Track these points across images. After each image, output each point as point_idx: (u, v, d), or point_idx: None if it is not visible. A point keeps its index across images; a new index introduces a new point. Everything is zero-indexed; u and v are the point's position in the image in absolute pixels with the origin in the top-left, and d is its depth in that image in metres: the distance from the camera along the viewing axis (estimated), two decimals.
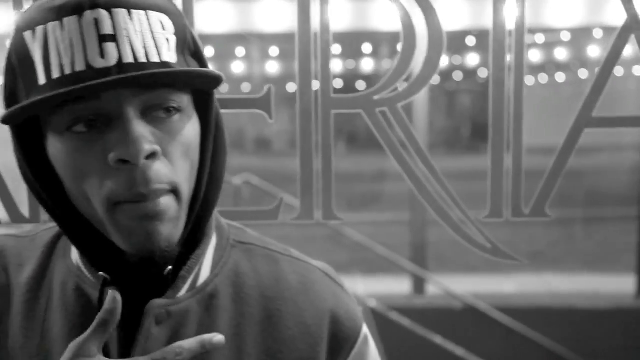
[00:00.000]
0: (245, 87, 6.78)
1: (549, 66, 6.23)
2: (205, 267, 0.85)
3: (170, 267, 0.79)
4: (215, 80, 0.75)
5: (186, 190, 0.76)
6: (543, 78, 6.49)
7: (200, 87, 0.78)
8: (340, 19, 1.35)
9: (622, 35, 1.34)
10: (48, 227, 0.91)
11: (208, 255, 0.86)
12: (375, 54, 6.15)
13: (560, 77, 6.53)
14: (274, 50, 5.72)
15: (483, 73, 7.35)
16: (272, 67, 5.83)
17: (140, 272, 0.79)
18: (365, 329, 0.91)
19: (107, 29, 0.70)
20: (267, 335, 0.84)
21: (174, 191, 0.74)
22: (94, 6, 0.70)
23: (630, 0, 1.31)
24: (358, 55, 5.97)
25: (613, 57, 1.33)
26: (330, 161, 1.35)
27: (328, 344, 0.87)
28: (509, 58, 1.34)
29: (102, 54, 0.69)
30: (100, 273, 0.79)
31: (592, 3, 4.82)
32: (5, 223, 1.34)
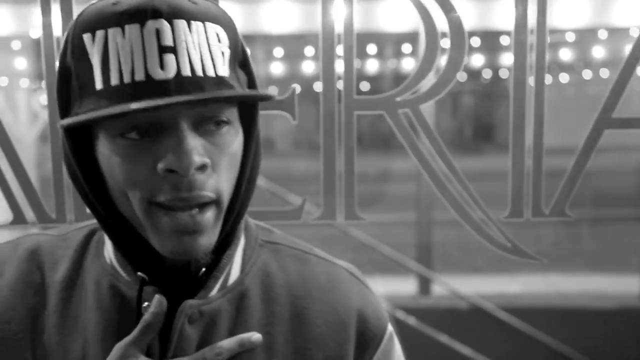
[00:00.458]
0: None
1: (553, 67, 6.23)
2: (235, 267, 0.86)
3: (204, 269, 0.81)
4: (266, 99, 0.77)
5: (227, 199, 0.78)
6: (547, 79, 6.47)
7: (249, 102, 0.80)
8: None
9: None
10: (79, 226, 0.92)
11: (237, 255, 0.87)
12: (379, 55, 6.16)
13: (564, 77, 6.53)
14: (278, 51, 5.73)
15: (487, 74, 7.36)
16: (277, 68, 5.85)
17: (175, 273, 0.80)
18: (390, 328, 0.92)
19: (168, 41, 0.71)
20: (296, 333, 0.86)
21: (216, 201, 0.76)
22: (156, 16, 0.71)
23: None
24: (363, 56, 5.98)
25: (634, 57, 1.33)
26: (352, 162, 1.36)
27: (355, 341, 0.88)
28: (530, 58, 1.35)
29: (162, 65, 0.70)
30: (139, 273, 0.80)
31: (597, 4, 4.83)
32: (31, 223, 1.35)
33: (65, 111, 0.77)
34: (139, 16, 0.71)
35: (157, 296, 0.78)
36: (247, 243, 0.89)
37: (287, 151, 13.57)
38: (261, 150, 0.86)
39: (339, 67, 1.33)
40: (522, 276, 5.43)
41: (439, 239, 5.23)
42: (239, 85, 0.77)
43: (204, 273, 0.82)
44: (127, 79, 0.70)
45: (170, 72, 0.70)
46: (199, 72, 0.72)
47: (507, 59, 5.91)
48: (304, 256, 0.92)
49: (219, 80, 0.73)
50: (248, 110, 0.81)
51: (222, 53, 0.75)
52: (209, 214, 0.75)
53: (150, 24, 0.70)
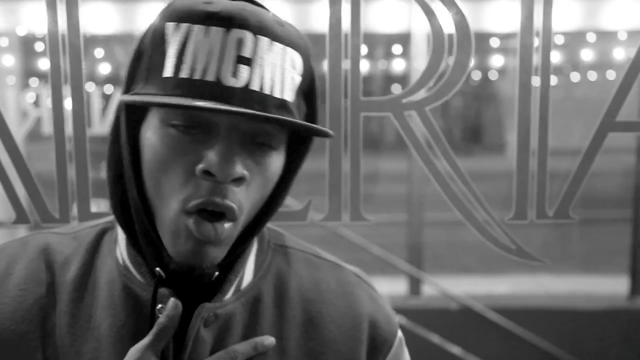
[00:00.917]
0: None
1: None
2: (248, 270, 0.87)
3: (217, 273, 0.81)
4: (325, 135, 0.77)
5: (245, 218, 0.79)
6: (536, 81, 6.50)
7: (304, 134, 0.81)
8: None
9: None
10: (89, 225, 0.92)
11: (250, 259, 0.88)
12: (370, 56, 6.17)
13: (552, 80, 6.57)
14: None
15: (476, 76, 7.38)
16: None
17: (188, 276, 0.80)
18: (400, 333, 0.93)
19: (247, 53, 0.72)
20: (309, 337, 0.86)
21: (236, 219, 0.76)
22: (243, 27, 0.72)
23: None
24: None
25: (639, 61, 1.34)
26: (358, 163, 1.36)
27: (367, 347, 0.89)
28: (535, 60, 1.36)
29: (234, 74, 0.71)
30: (157, 269, 0.80)
31: (587, 8, 4.86)
32: (35, 222, 1.34)
33: (127, 90, 0.78)
34: (226, 22, 0.72)
35: (172, 299, 0.78)
36: (260, 247, 0.90)
37: None
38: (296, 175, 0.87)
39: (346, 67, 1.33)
40: (511, 277, 5.46)
41: (429, 240, 5.24)
42: (298, 114, 0.78)
43: (217, 276, 0.82)
44: (197, 75, 0.71)
45: (240, 82, 0.72)
46: (266, 90, 0.73)
47: (496, 61, 5.94)
48: (315, 260, 0.93)
49: (282, 104, 0.75)
50: (298, 140, 0.82)
51: (293, 79, 0.76)
52: (229, 226, 0.76)
53: (235, 32, 0.72)
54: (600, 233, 6.87)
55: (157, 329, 0.77)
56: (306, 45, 0.79)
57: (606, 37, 5.39)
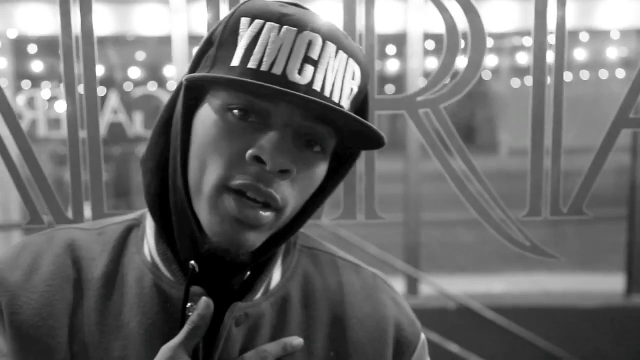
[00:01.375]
0: None
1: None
2: (276, 271, 0.87)
3: (249, 272, 0.82)
4: (376, 142, 0.78)
5: (288, 215, 0.79)
6: (529, 81, 6.54)
7: (357, 144, 0.82)
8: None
9: None
10: (114, 221, 0.91)
11: (278, 260, 0.87)
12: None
13: (546, 80, 6.59)
14: None
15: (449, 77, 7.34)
16: None
17: (221, 274, 0.80)
18: (423, 335, 0.94)
19: (314, 54, 0.74)
20: (335, 338, 0.87)
21: (279, 210, 0.77)
22: (314, 30, 0.75)
23: None
24: None
25: None
26: (373, 162, 1.37)
27: (393, 349, 0.89)
28: (549, 59, 1.37)
29: (300, 71, 0.73)
30: (191, 262, 0.80)
31: (580, 8, 4.89)
32: (48, 223, 1.34)
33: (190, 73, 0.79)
34: (299, 23, 0.75)
35: (204, 298, 0.78)
36: (286, 248, 0.90)
37: None
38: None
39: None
40: (507, 275, 5.49)
41: (425, 239, 5.26)
42: None
43: (248, 276, 0.83)
44: (264, 67, 0.73)
45: (304, 80, 0.74)
46: (326, 93, 0.75)
47: (490, 60, 5.96)
48: (340, 262, 0.94)
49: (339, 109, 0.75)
50: (341, 154, 0.84)
51: (351, 89, 0.78)
52: (270, 214, 0.76)
53: (306, 34, 0.74)
54: (595, 231, 6.91)
55: (189, 327, 0.77)
56: (366, 63, 0.82)
57: (599, 37, 5.43)
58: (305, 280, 0.89)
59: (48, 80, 5.43)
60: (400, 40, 5.18)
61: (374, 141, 0.77)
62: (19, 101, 5.12)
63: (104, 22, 4.68)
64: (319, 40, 0.75)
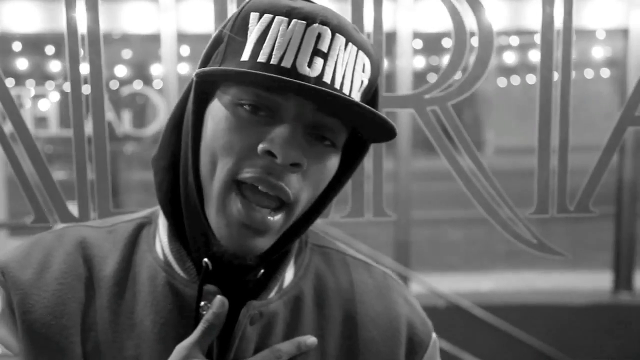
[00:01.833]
0: None
1: (522, 68, 6.35)
2: (289, 269, 0.87)
3: (262, 271, 0.81)
4: (388, 133, 0.77)
5: (299, 210, 0.79)
6: (515, 80, 6.61)
7: (367, 135, 0.81)
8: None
9: None
10: (124, 219, 0.90)
11: (291, 258, 0.87)
12: None
13: (531, 78, 6.65)
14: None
15: (457, 75, 7.40)
16: None
17: (234, 272, 0.79)
18: (434, 334, 0.94)
19: (324, 47, 0.74)
20: (348, 337, 0.86)
21: (290, 206, 0.76)
22: (323, 23, 0.74)
23: None
24: None
25: None
26: (381, 160, 1.36)
27: (406, 348, 0.89)
28: (556, 57, 1.37)
29: (310, 64, 0.73)
30: (205, 260, 0.79)
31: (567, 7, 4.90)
32: (53, 222, 1.32)
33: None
34: (309, 17, 0.74)
35: (219, 297, 0.77)
36: (298, 246, 0.90)
37: None
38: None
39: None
40: (494, 274, 5.52)
41: (414, 238, 5.28)
42: None
43: (262, 274, 0.82)
44: (274, 61, 0.73)
45: (314, 73, 0.73)
46: (337, 85, 0.75)
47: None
48: (351, 261, 0.94)
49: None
50: (351, 147, 0.83)
51: (362, 82, 0.78)
52: (279, 218, 0.76)
53: (315, 27, 0.74)
54: (583, 229, 6.97)
55: (204, 326, 0.76)
56: (377, 56, 0.82)
57: (585, 36, 5.47)
58: (318, 278, 0.88)
59: (32, 79, 5.37)
60: (389, 39, 5.19)
61: (385, 132, 0.77)
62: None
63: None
64: (328, 33, 0.74)
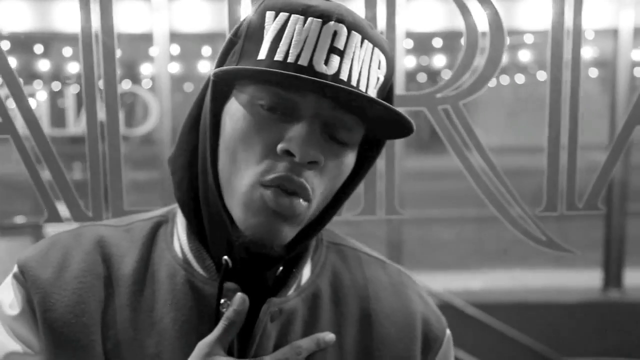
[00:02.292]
0: None
1: (511, 68, 6.39)
2: (306, 267, 0.87)
3: (281, 268, 0.82)
4: (405, 130, 0.78)
5: (315, 206, 0.80)
6: (504, 79, 6.65)
7: (383, 132, 0.81)
8: None
9: None
10: (142, 217, 0.91)
11: (308, 256, 0.88)
12: None
13: (519, 78, 6.69)
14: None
15: (446, 74, 7.45)
16: None
17: (253, 269, 0.80)
18: (448, 331, 0.95)
19: (340, 44, 0.75)
20: (364, 334, 0.87)
21: (310, 202, 0.77)
22: (339, 21, 0.75)
23: None
24: None
25: None
26: (393, 159, 1.38)
27: (421, 344, 0.90)
28: (565, 56, 1.39)
29: (326, 62, 0.74)
30: (225, 257, 0.80)
31: (556, 7, 4.94)
32: (66, 221, 1.32)
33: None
34: (324, 15, 0.75)
35: (240, 294, 0.78)
36: (315, 244, 0.91)
37: None
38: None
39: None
40: (485, 272, 5.55)
41: (405, 237, 5.29)
42: None
43: (281, 271, 0.83)
44: (291, 59, 0.74)
45: (331, 70, 0.74)
46: (354, 82, 0.75)
47: None
48: (366, 258, 0.94)
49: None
50: (366, 146, 0.84)
51: (378, 79, 0.79)
52: (303, 206, 0.77)
53: (332, 25, 0.75)
54: (573, 228, 7.02)
55: (225, 323, 0.76)
56: (392, 52, 0.82)
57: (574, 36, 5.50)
58: (334, 276, 0.89)
59: (21, 78, 5.33)
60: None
61: (402, 129, 0.78)
62: None
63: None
64: (344, 31, 0.75)
